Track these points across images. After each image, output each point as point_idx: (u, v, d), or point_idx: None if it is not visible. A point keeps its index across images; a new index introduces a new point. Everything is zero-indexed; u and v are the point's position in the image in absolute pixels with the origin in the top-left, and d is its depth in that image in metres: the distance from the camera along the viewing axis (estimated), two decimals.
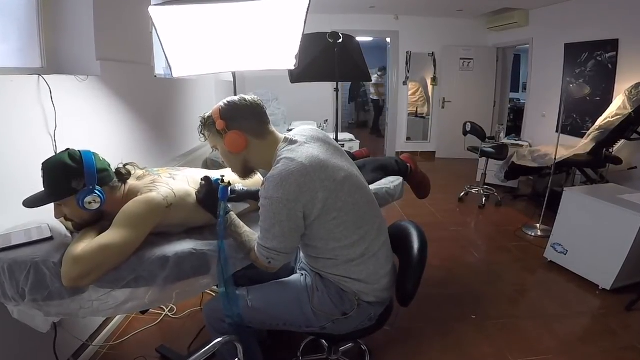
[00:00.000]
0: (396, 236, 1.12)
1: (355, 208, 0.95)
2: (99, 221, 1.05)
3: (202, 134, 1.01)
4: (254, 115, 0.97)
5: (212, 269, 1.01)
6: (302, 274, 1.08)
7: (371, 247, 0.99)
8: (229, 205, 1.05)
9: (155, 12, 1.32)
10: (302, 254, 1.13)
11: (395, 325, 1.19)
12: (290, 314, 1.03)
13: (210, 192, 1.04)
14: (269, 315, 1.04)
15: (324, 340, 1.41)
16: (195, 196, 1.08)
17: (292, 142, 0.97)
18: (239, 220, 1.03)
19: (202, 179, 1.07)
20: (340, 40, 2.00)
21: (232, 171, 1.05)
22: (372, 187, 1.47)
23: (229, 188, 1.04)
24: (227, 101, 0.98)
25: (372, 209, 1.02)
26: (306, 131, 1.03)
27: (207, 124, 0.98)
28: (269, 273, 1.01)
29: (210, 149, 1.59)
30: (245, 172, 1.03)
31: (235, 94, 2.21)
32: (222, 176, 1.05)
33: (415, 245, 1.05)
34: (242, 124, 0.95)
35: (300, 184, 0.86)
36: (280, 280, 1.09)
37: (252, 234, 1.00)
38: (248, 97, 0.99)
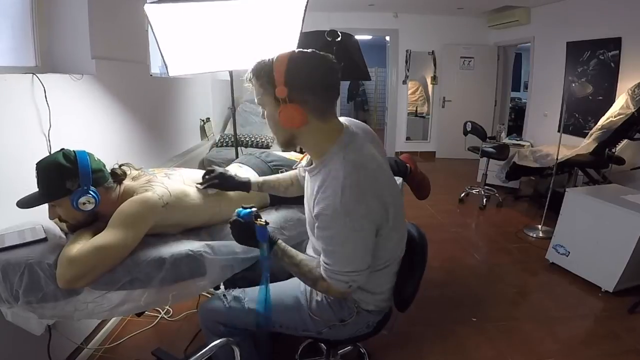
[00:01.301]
0: None
1: (401, 221, 0.91)
2: (94, 222, 1.04)
3: (250, 81, 0.81)
4: (325, 89, 0.78)
5: (209, 271, 1.00)
6: None
7: (391, 259, 0.93)
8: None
9: (151, 10, 1.30)
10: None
11: (394, 330, 1.17)
12: (287, 317, 1.01)
13: (244, 228, 0.86)
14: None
15: (322, 344, 1.39)
16: (192, 196, 1.07)
17: (352, 135, 0.83)
18: (289, 248, 0.89)
19: (231, 221, 0.86)
20: (339, 39, 1.98)
21: (274, 136, 0.88)
22: None
23: (267, 227, 0.85)
24: (299, 60, 0.76)
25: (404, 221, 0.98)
26: (357, 123, 0.91)
27: (262, 74, 0.77)
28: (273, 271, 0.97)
29: (207, 149, 1.53)
30: (287, 145, 0.87)
31: (232, 94, 2.16)
32: (253, 208, 0.87)
33: (416, 249, 1.03)
34: (309, 99, 0.77)
35: (378, 196, 0.77)
36: (279, 282, 1.07)
37: (310, 261, 0.88)
38: (324, 60, 0.77)
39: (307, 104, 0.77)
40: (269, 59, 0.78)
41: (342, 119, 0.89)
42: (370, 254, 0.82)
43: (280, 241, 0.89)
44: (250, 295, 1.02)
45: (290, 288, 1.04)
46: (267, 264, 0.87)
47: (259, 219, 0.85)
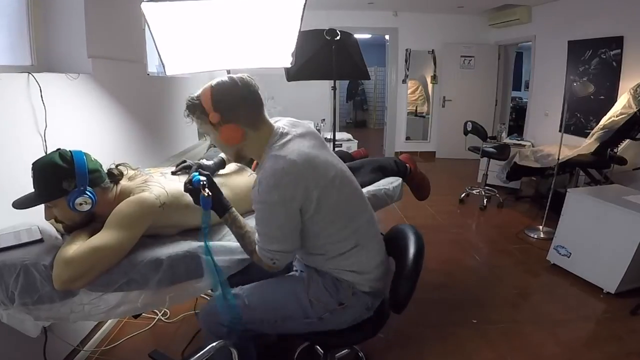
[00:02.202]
0: (394, 240, 1.09)
1: (347, 203, 0.96)
2: (91, 223, 1.03)
3: (189, 118, 0.92)
4: (250, 102, 0.90)
5: (206, 272, 0.99)
6: (297, 270, 1.09)
7: (361, 240, 0.99)
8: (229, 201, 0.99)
9: (148, 9, 1.29)
10: None
11: (390, 334, 1.16)
12: (288, 307, 1.01)
13: (192, 193, 0.94)
14: (267, 311, 1.01)
15: (318, 347, 1.38)
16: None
17: (282, 135, 0.93)
18: (240, 218, 0.97)
19: (185, 182, 0.95)
20: (338, 38, 1.97)
21: (226, 156, 1.08)
22: (370, 188, 1.44)
23: (210, 199, 0.91)
24: (219, 88, 0.88)
25: (361, 202, 1.03)
26: (292, 122, 1.01)
27: (194, 109, 0.89)
28: (267, 272, 0.99)
29: (205, 149, 1.53)
30: (238, 159, 1.01)
31: None
32: (202, 178, 0.92)
33: (411, 250, 1.01)
34: (239, 115, 0.89)
35: (294, 183, 0.85)
36: (274, 278, 1.07)
37: (254, 234, 0.96)
38: (239, 81, 0.89)
39: (239, 121, 0.89)
40: (196, 95, 0.90)
41: (280, 120, 1.00)
42: (293, 237, 0.91)
43: (233, 209, 0.96)
44: (248, 291, 1.02)
45: (287, 278, 1.07)
46: (206, 231, 0.94)
47: (206, 189, 0.91)
